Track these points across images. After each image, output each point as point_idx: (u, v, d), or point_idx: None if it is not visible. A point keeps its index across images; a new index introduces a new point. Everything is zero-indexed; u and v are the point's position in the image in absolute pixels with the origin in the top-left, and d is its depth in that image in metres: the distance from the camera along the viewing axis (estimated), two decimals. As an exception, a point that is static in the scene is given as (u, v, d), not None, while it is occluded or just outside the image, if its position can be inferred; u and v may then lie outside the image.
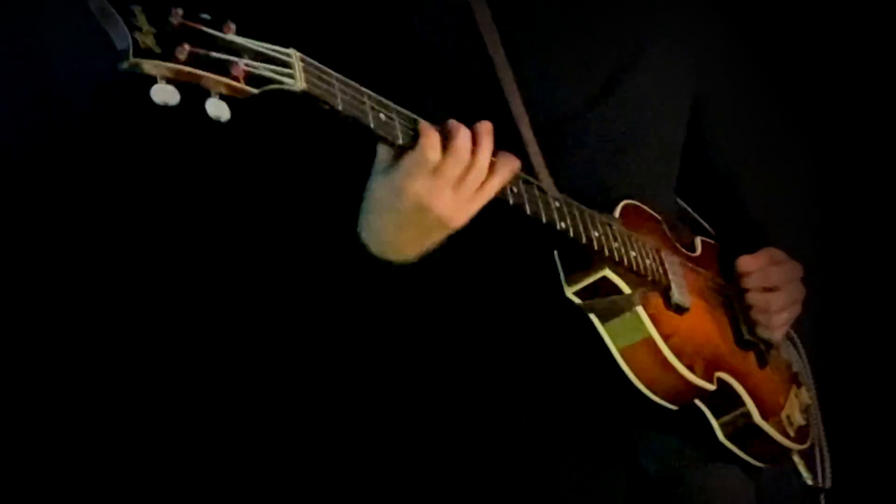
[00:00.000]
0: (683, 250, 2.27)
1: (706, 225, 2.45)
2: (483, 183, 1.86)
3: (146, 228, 2.61)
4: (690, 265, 2.24)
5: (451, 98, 2.17)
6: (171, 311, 2.65)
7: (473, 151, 1.84)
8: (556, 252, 2.06)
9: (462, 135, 1.83)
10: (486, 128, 1.87)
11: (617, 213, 2.13)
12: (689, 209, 2.44)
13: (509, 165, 1.90)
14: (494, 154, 1.88)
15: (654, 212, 2.23)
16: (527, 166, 2.07)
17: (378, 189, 1.86)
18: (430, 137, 1.80)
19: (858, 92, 3.15)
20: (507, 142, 2.12)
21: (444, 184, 1.82)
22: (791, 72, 2.95)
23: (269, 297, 2.70)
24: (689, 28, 2.33)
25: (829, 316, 2.61)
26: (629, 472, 2.19)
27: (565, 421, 2.17)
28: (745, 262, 2.27)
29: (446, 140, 1.82)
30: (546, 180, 2.10)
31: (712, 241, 2.38)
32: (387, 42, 2.21)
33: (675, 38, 2.30)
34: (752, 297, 2.27)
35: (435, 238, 1.90)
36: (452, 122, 1.84)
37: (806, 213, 2.50)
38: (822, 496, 2.37)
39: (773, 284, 2.26)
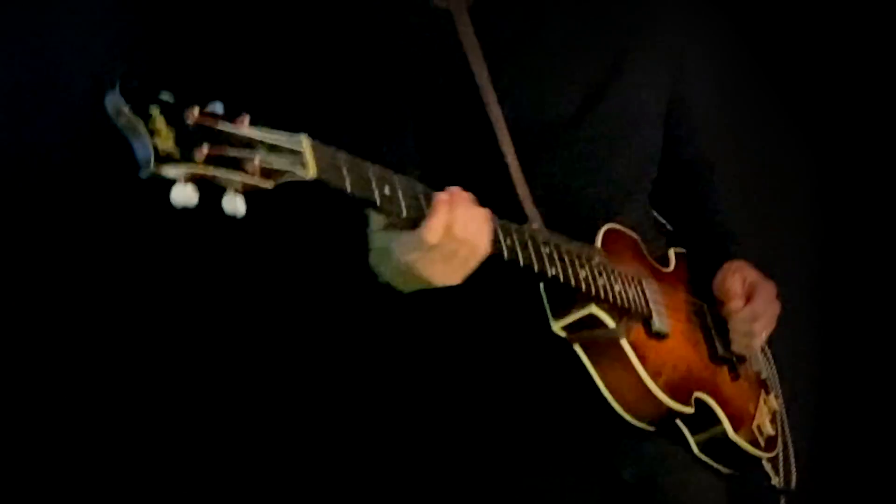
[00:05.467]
0: (659, 267, 2.30)
1: (669, 227, 2.47)
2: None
3: (150, 236, 2.60)
4: (667, 286, 2.27)
5: (430, 106, 2.19)
6: (171, 311, 2.65)
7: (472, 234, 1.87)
8: (542, 285, 2.09)
9: (461, 220, 1.85)
10: (487, 214, 1.90)
11: (598, 243, 2.15)
12: (656, 213, 2.45)
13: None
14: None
15: (631, 231, 2.25)
16: (504, 174, 2.12)
17: (377, 241, 1.93)
18: (433, 220, 1.82)
19: (852, 93, 3.17)
20: (484, 148, 2.16)
21: (437, 258, 1.86)
22: (774, 73, 2.97)
23: (270, 300, 2.73)
24: (671, 33, 2.35)
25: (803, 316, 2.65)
26: (605, 478, 2.24)
27: (544, 428, 2.22)
28: (735, 304, 2.29)
29: (447, 224, 1.84)
30: (523, 189, 2.14)
31: (683, 251, 2.40)
32: (365, 49, 2.22)
33: (658, 44, 2.32)
34: (737, 326, 2.30)
35: (427, 287, 1.95)
36: (457, 208, 1.85)
37: (781, 214, 2.55)
38: (783, 498, 2.45)
39: (759, 315, 2.30)
